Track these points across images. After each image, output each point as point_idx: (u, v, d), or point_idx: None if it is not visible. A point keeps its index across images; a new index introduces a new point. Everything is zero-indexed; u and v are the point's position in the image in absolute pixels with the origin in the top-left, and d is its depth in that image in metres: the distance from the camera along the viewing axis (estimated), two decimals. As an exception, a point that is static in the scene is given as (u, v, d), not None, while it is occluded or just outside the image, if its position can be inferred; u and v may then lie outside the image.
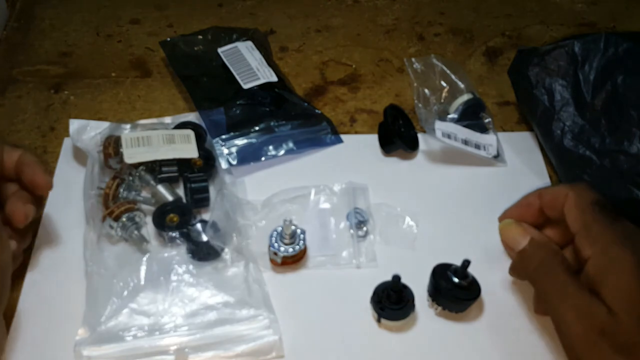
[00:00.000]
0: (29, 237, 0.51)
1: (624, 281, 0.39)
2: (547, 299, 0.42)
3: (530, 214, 0.47)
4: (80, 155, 0.60)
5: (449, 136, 0.59)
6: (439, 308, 0.49)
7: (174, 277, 0.50)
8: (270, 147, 0.61)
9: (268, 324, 0.48)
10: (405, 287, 0.49)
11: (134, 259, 0.51)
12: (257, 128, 0.61)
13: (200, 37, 0.69)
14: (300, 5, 0.79)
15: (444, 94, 0.64)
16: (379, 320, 0.49)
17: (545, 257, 0.43)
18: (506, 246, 0.47)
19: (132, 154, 0.55)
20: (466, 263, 0.47)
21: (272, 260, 0.52)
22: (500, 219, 0.49)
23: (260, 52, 0.67)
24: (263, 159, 0.60)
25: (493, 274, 0.52)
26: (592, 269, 0.40)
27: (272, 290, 0.51)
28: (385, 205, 0.56)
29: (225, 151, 0.59)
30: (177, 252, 0.52)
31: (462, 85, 0.63)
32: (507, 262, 0.53)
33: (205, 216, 0.55)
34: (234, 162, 0.59)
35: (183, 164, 0.57)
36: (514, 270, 0.47)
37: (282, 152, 0.61)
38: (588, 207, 0.42)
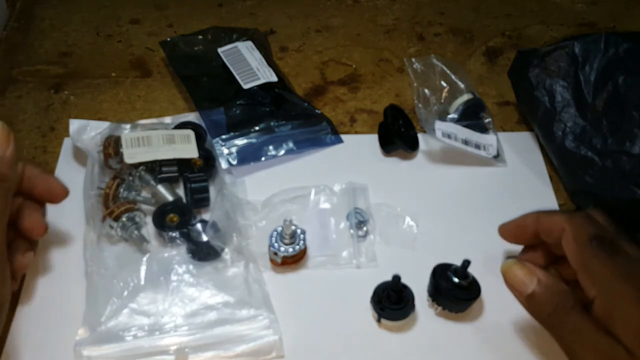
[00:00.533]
0: (36, 245, 0.51)
1: (633, 318, 0.37)
2: (564, 343, 0.41)
3: (525, 235, 0.46)
4: (80, 155, 0.60)
5: (449, 136, 0.59)
6: (439, 308, 0.49)
7: (174, 277, 0.50)
8: (270, 147, 0.61)
9: (268, 324, 0.48)
10: (405, 287, 0.49)
11: (134, 259, 0.51)
12: (257, 128, 0.61)
13: (200, 37, 0.69)
14: (300, 5, 0.79)
15: (444, 94, 0.64)
16: (379, 320, 0.49)
17: (558, 303, 0.41)
18: (512, 289, 0.44)
19: (132, 154, 0.55)
20: (466, 263, 0.47)
21: (272, 260, 0.52)
22: (500, 230, 0.48)
23: (260, 52, 0.67)
24: (263, 159, 0.60)
25: (493, 274, 0.51)
26: (599, 309, 0.39)
27: (272, 290, 0.51)
28: (385, 205, 0.56)
29: (225, 151, 0.59)
30: (177, 252, 0.52)
31: (462, 85, 0.63)
32: (507, 262, 0.53)
33: (205, 216, 0.55)
34: (234, 162, 0.59)
35: (183, 164, 0.57)
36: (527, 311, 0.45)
37: (282, 152, 0.61)
38: (586, 243, 0.41)
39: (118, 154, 0.56)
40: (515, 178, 0.60)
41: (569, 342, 0.40)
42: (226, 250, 0.52)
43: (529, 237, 0.46)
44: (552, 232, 0.43)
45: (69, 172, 0.59)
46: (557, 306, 0.41)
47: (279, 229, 0.51)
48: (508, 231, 0.48)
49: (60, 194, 0.49)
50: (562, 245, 0.42)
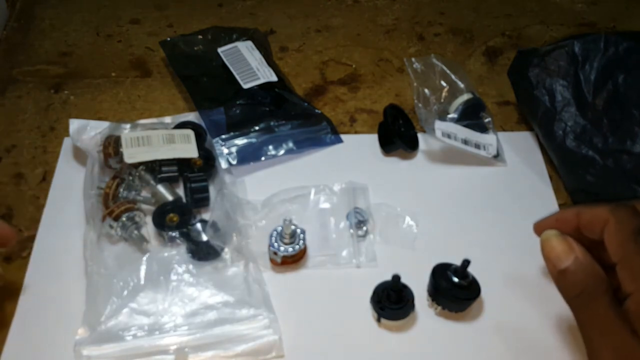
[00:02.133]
0: None
1: None
2: (585, 329, 0.39)
3: (565, 231, 0.43)
4: (80, 155, 0.60)
5: (449, 136, 0.59)
6: (439, 308, 0.49)
7: (173, 277, 0.50)
8: (270, 147, 0.61)
9: (268, 323, 0.48)
10: (405, 286, 0.49)
11: (134, 258, 0.51)
12: (257, 128, 0.61)
13: (200, 37, 0.69)
14: (300, 5, 0.79)
15: (444, 94, 0.64)
16: (379, 320, 0.49)
17: (589, 285, 0.39)
18: (547, 260, 0.42)
19: (132, 154, 0.55)
20: (466, 263, 0.47)
21: (272, 260, 0.52)
22: (535, 227, 0.45)
23: (260, 52, 0.67)
24: (263, 158, 0.60)
25: (493, 274, 0.52)
26: (633, 306, 0.37)
27: (272, 290, 0.51)
28: (385, 205, 0.56)
29: (225, 151, 0.59)
30: (177, 252, 0.52)
31: (462, 85, 0.63)
32: (506, 261, 0.53)
33: (205, 216, 0.55)
34: (234, 162, 0.59)
35: (183, 164, 0.57)
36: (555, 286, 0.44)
37: (282, 152, 0.61)
38: (630, 236, 0.38)
39: (118, 154, 0.56)
40: (515, 178, 0.60)
41: (590, 328, 0.39)
42: (226, 250, 0.52)
43: (569, 232, 0.43)
44: (594, 225, 0.41)
45: (69, 172, 0.59)
46: (588, 288, 0.39)
47: (279, 228, 0.51)
48: (545, 228, 0.44)
49: (10, 237, 0.48)
50: (604, 237, 0.40)
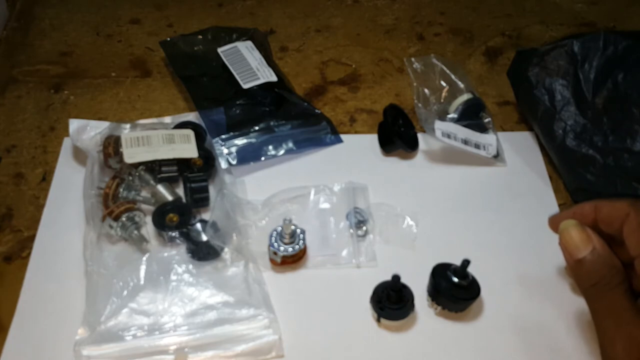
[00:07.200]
0: None
1: None
2: (599, 319, 0.39)
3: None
4: (80, 155, 0.60)
5: (448, 136, 0.59)
6: (439, 308, 0.49)
7: (173, 277, 0.50)
8: (270, 147, 0.61)
9: (268, 323, 0.48)
10: (405, 286, 0.49)
11: (133, 258, 0.51)
12: (257, 128, 0.61)
13: (200, 37, 0.69)
14: (300, 5, 0.79)
15: (443, 94, 0.64)
16: (378, 320, 0.49)
17: (606, 275, 0.39)
18: (564, 250, 0.41)
19: (132, 154, 0.55)
20: (466, 263, 0.47)
21: (271, 260, 0.52)
22: (550, 221, 0.45)
23: (260, 52, 0.67)
24: (263, 158, 0.60)
25: (493, 274, 0.52)
26: None
27: (272, 290, 0.51)
28: (385, 205, 0.56)
29: (225, 151, 0.59)
30: (177, 252, 0.52)
31: (462, 85, 0.63)
32: (506, 261, 0.53)
33: (205, 216, 0.55)
34: (234, 162, 0.59)
35: (183, 164, 0.57)
36: (570, 275, 0.43)
37: (282, 152, 0.61)
38: None
39: (118, 154, 0.56)
40: (515, 178, 0.60)
41: (604, 318, 0.39)
42: (226, 250, 0.52)
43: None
44: (613, 219, 0.41)
45: (69, 172, 0.59)
46: (604, 279, 0.39)
47: (279, 228, 0.51)
48: (561, 221, 0.43)
49: None
50: (624, 231, 0.40)
